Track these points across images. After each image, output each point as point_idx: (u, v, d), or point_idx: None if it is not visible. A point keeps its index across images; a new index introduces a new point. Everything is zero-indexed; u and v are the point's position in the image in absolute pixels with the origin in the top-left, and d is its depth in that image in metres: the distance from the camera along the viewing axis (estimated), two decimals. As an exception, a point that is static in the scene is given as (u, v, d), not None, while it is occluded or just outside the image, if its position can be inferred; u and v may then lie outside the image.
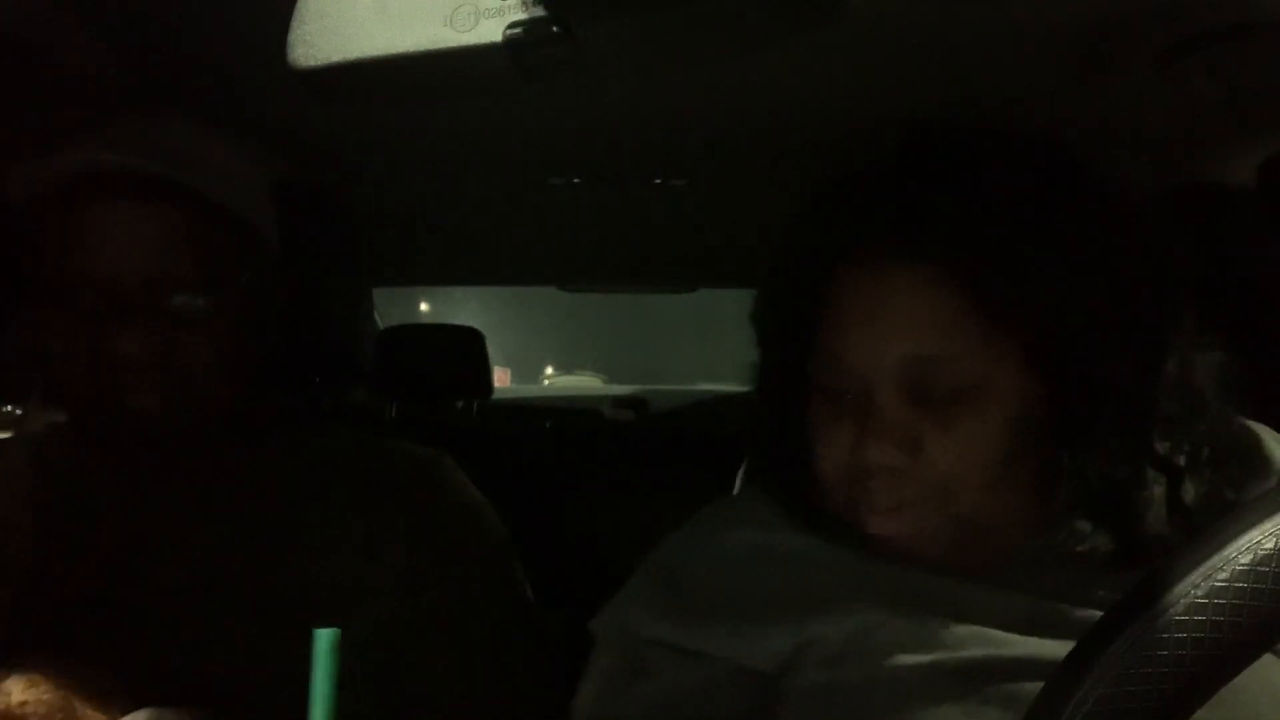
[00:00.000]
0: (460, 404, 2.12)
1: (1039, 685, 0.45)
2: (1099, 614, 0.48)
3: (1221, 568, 0.46)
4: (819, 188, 0.69)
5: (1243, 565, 0.45)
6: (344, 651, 0.36)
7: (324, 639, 0.35)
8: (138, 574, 0.75)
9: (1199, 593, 0.46)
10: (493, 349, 2.06)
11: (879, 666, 0.59)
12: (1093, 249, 0.60)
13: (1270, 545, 0.45)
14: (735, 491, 0.84)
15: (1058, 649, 0.53)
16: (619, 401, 2.97)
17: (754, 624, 0.63)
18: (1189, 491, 0.60)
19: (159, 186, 0.73)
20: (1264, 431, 0.66)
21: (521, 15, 0.41)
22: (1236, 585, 0.45)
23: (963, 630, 0.59)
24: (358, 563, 0.77)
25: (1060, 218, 0.60)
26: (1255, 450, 0.65)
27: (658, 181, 1.15)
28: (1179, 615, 0.46)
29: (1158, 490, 0.60)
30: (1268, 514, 0.46)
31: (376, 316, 1.96)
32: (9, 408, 0.92)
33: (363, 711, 0.47)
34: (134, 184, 0.73)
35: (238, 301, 0.77)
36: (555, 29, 0.41)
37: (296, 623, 0.44)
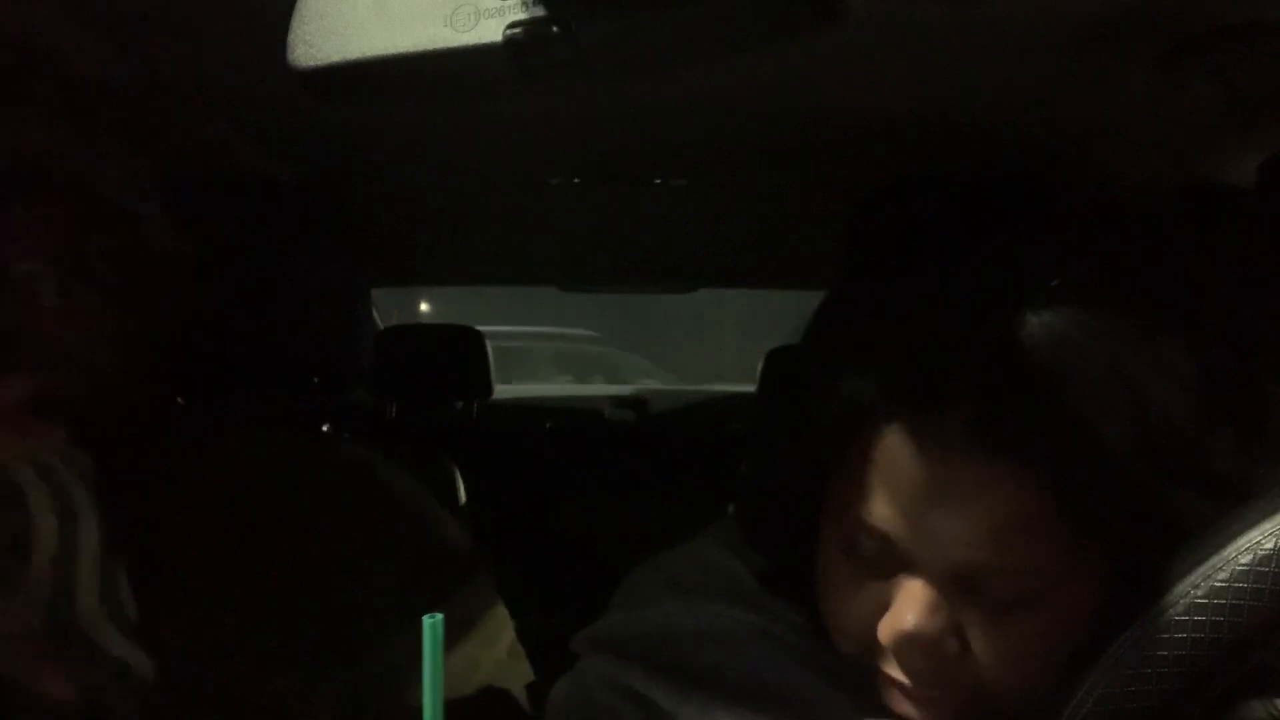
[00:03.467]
0: (460, 404, 2.12)
1: None
2: None
3: (1221, 568, 0.45)
4: (852, 312, 0.54)
5: (1243, 565, 0.45)
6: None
7: (429, 626, 0.35)
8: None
9: (1199, 593, 0.46)
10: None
11: None
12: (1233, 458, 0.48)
13: (1270, 545, 0.45)
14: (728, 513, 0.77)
15: None
16: (619, 401, 2.96)
17: (727, 709, 0.55)
18: None
19: (34, 177, 0.70)
20: None
21: (521, 15, 0.41)
22: (1236, 585, 0.45)
23: None
24: (294, 567, 0.75)
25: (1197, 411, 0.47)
26: None
27: (658, 181, 1.15)
28: (1179, 615, 0.46)
29: None
30: (1268, 514, 0.46)
31: (376, 316, 1.96)
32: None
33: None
34: (9, 175, 0.70)
35: (118, 298, 0.73)
36: (555, 29, 0.41)
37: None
